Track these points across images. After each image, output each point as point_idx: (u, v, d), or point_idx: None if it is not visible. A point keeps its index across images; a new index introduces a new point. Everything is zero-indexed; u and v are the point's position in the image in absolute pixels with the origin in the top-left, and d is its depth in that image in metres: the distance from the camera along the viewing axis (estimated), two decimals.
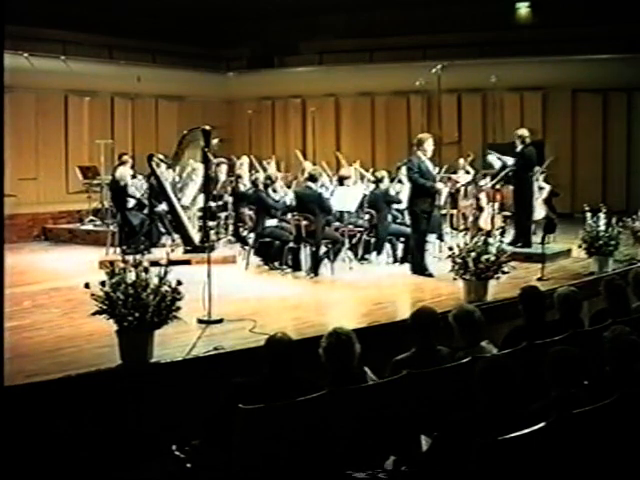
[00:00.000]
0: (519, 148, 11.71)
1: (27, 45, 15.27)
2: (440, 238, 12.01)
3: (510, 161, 12.03)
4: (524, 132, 11.84)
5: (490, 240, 8.77)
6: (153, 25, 19.17)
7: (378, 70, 19.01)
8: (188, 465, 4.59)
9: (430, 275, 10.28)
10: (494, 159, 12.80)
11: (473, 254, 8.64)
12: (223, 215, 13.11)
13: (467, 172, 14.21)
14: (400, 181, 12.00)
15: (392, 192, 11.72)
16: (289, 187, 12.59)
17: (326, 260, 10.77)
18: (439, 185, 10.36)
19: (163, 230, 12.62)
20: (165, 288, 6.27)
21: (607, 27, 16.97)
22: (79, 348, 6.80)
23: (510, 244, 11.37)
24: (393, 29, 19.18)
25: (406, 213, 11.30)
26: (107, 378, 6.06)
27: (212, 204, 12.04)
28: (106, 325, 6.41)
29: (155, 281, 6.25)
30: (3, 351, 4.98)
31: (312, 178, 10.98)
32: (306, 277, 10.52)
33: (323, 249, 10.73)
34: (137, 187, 12.47)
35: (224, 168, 13.71)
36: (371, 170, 13.06)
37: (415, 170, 10.31)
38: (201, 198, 11.79)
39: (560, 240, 12.71)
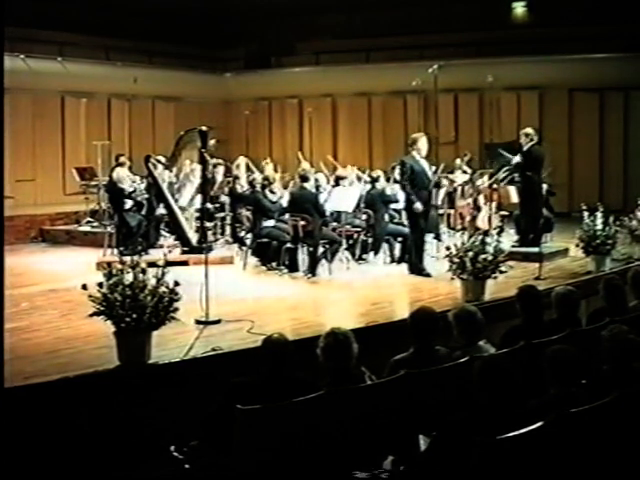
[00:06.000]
0: (526, 147, 11.68)
1: (24, 47, 15.27)
2: (437, 238, 12.00)
3: (514, 160, 11.98)
4: (531, 130, 11.83)
5: (487, 239, 8.77)
6: (149, 26, 19.18)
7: (375, 70, 19.01)
8: (186, 466, 4.60)
9: (428, 275, 10.28)
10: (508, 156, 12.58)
11: (470, 254, 8.64)
12: (220, 216, 13.10)
13: (464, 172, 14.22)
14: (396, 181, 11.99)
15: (389, 192, 11.72)
16: (286, 188, 12.58)
17: (324, 260, 10.76)
18: (418, 205, 10.23)
19: (164, 233, 12.62)
20: (163, 289, 6.27)
21: (604, 26, 16.99)
22: (77, 349, 6.80)
23: (520, 244, 11.38)
24: (390, 29, 19.20)
25: (403, 213, 11.31)
26: (105, 379, 6.06)
27: (209, 205, 12.03)
28: (104, 326, 6.40)
29: (153, 282, 6.24)
30: (3, 353, 4.97)
31: (304, 178, 10.97)
32: (304, 277, 10.51)
33: (321, 249, 10.73)
34: (138, 189, 12.45)
35: (221, 169, 13.70)
36: (367, 172, 13.02)
37: (407, 176, 10.30)
38: (198, 199, 11.79)
39: (557, 239, 12.70)
